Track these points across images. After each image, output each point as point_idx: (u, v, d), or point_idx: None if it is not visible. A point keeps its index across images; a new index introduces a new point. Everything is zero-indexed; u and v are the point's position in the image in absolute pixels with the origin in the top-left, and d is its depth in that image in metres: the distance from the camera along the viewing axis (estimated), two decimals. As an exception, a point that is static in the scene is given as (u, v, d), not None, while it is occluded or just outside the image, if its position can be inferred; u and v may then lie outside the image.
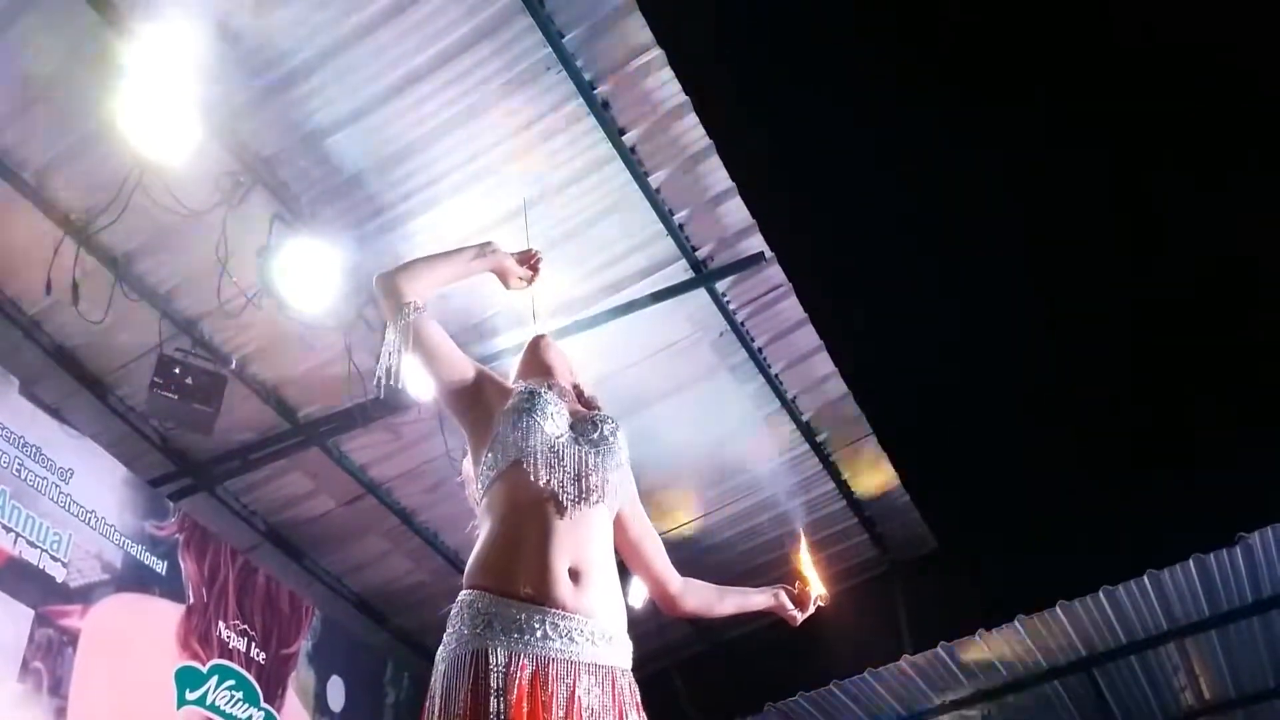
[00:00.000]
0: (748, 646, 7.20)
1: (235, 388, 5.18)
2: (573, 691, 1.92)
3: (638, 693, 2.07)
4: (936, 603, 6.73)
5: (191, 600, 5.52)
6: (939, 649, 6.12)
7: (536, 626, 1.95)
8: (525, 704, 1.87)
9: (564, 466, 2.08)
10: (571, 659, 1.95)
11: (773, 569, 7.10)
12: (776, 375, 5.93)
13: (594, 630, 2.00)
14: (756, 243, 5.24)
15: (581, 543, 2.05)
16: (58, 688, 4.78)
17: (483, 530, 2.10)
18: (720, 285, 5.38)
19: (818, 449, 6.38)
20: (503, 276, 2.44)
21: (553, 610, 1.96)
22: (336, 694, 6.49)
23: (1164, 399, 6.41)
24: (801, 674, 6.64)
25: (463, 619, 1.99)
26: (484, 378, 2.29)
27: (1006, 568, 6.37)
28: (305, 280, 4.60)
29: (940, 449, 6.64)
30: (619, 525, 2.26)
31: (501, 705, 1.86)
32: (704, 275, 5.28)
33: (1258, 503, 5.35)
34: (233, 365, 5.08)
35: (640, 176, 4.85)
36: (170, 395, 4.81)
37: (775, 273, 5.40)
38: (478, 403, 2.24)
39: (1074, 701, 6.30)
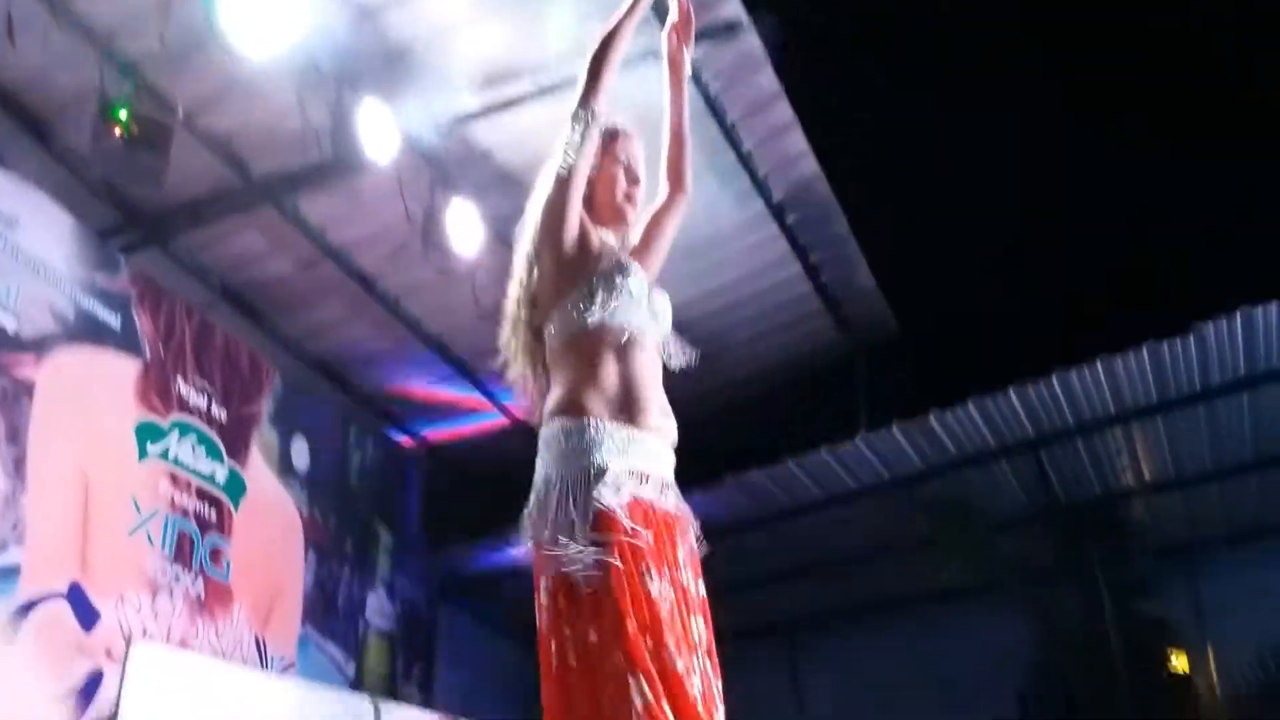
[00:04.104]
0: (708, 422, 7.31)
1: (183, 139, 4.96)
2: (667, 499, 2.21)
3: None
4: (895, 384, 6.81)
5: (148, 356, 5.50)
6: (894, 428, 6.26)
7: (648, 449, 2.22)
8: (638, 510, 2.14)
9: (646, 336, 2.33)
10: (663, 476, 2.23)
11: (739, 348, 7.15)
12: (747, 152, 5.76)
13: (669, 452, 2.29)
14: (733, 9, 4.97)
15: (658, 388, 2.32)
16: (15, 436, 4.81)
17: (574, 370, 2.27)
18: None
19: (786, 231, 6.29)
20: None
21: (652, 434, 2.24)
22: (301, 454, 6.60)
23: (1128, 186, 6.34)
24: (759, 450, 6.80)
25: (574, 440, 2.19)
26: (586, 221, 2.40)
27: (965, 351, 6.43)
28: (253, 22, 4.34)
29: (909, 232, 6.58)
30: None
31: (619, 511, 2.11)
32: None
33: (1215, 292, 5.38)
34: (180, 114, 4.85)
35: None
36: (115, 142, 4.61)
37: (752, 42, 5.15)
38: (582, 238, 2.37)
39: (1019, 480, 6.53)
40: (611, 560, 2.06)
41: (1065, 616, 6.53)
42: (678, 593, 2.12)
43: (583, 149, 2.31)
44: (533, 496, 2.22)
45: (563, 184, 2.32)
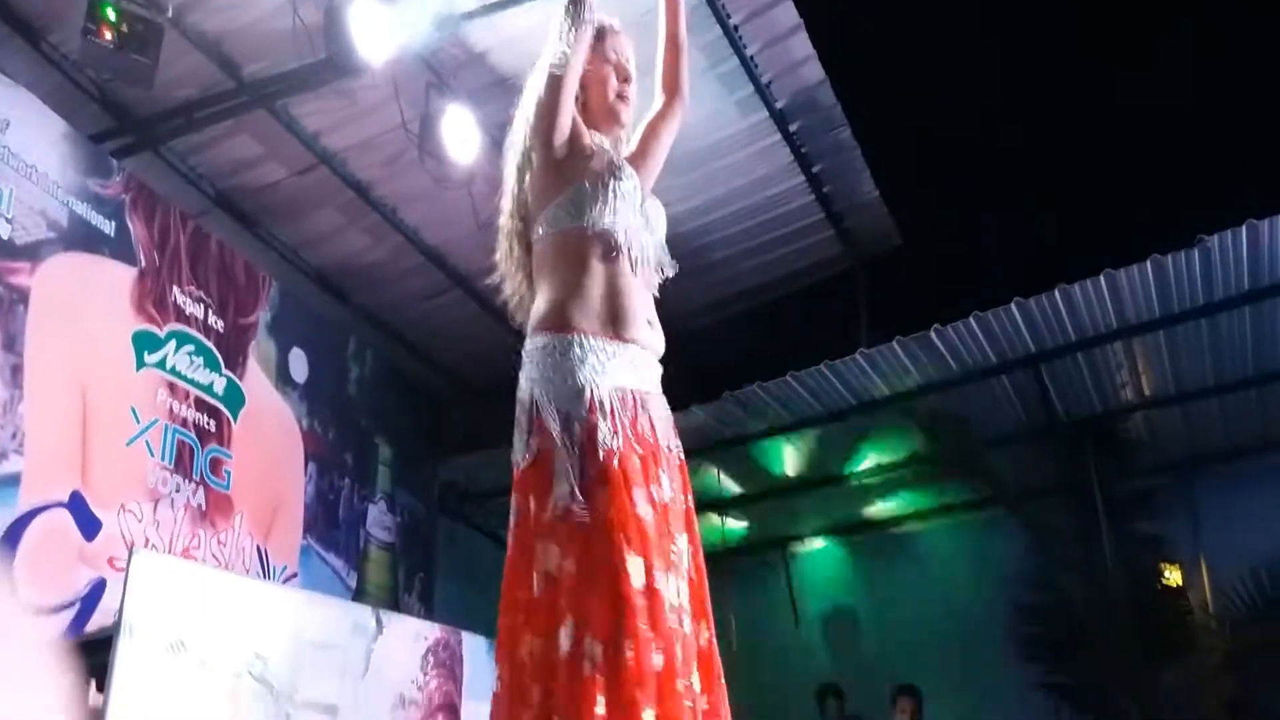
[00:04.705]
0: (705, 335, 7.31)
1: (174, 39, 4.84)
2: (650, 413, 2.19)
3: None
4: (896, 299, 6.79)
5: (143, 263, 5.45)
6: (894, 343, 6.22)
7: (633, 361, 2.21)
8: (629, 427, 2.13)
9: (639, 243, 2.28)
10: (647, 389, 2.22)
11: (738, 260, 7.10)
12: (751, 56, 5.63)
13: (656, 364, 2.29)
14: (737, -97, 4.83)
15: (646, 299, 2.30)
16: (12, 344, 4.77)
17: (559, 277, 2.24)
18: (695, -51, 4.99)
19: (789, 139, 6.18)
20: None
21: (636, 346, 2.22)
22: (299, 366, 6.58)
23: (1133, 99, 6.23)
24: (759, 365, 6.78)
25: (557, 357, 2.16)
26: (579, 123, 2.34)
27: (967, 265, 6.39)
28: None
29: (913, 144, 6.48)
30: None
31: (607, 428, 2.10)
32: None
33: (1220, 205, 5.31)
34: (169, 12, 4.73)
35: None
36: (104, 43, 4.51)
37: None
38: (573, 139, 2.31)
39: (1018, 394, 6.51)
40: (598, 487, 2.03)
41: (1062, 532, 6.57)
42: (658, 511, 2.08)
43: (575, 47, 2.25)
44: (518, 413, 2.18)
45: (554, 84, 2.26)
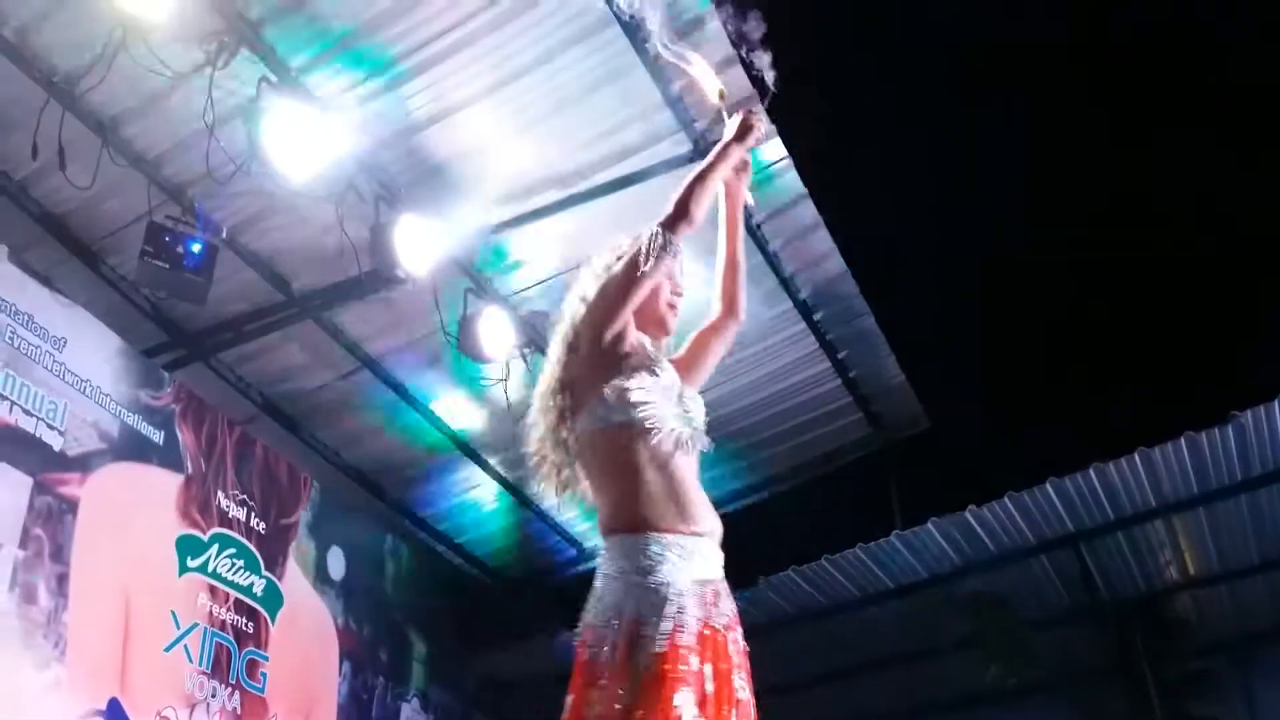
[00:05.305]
0: (742, 523, 7.27)
1: (227, 257, 5.12)
2: (726, 601, 2.23)
3: None
4: (928, 480, 6.80)
5: (190, 470, 5.57)
6: (929, 525, 6.19)
7: (704, 553, 2.23)
8: (711, 619, 2.17)
9: (683, 432, 2.32)
10: (720, 578, 2.26)
11: (770, 447, 7.16)
12: (774, 252, 5.86)
13: (720, 552, 2.31)
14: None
15: (699, 487, 2.33)
16: (59, 554, 4.85)
17: (618, 475, 2.28)
18: (718, 159, 5.25)
19: (814, 328, 6.35)
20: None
21: (709, 539, 2.26)
22: (337, 564, 6.61)
23: (1160, 278, 6.38)
24: (794, 549, 6.74)
25: (635, 559, 2.19)
26: (630, 323, 2.42)
27: (999, 445, 6.42)
28: (294, 146, 4.51)
29: (937, 327, 6.62)
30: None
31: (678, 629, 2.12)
32: (702, 150, 5.17)
33: (1251, 381, 5.36)
34: (223, 234, 5.01)
35: (638, 44, 4.71)
36: (161, 264, 4.76)
37: (775, 147, 5.30)
38: (621, 334, 2.38)
39: (1060, 575, 6.42)
40: (650, 693, 2.03)
41: (1114, 716, 6.35)
42: (719, 706, 2.08)
43: (655, 270, 2.32)
44: (593, 614, 2.20)
45: (624, 288, 2.33)
